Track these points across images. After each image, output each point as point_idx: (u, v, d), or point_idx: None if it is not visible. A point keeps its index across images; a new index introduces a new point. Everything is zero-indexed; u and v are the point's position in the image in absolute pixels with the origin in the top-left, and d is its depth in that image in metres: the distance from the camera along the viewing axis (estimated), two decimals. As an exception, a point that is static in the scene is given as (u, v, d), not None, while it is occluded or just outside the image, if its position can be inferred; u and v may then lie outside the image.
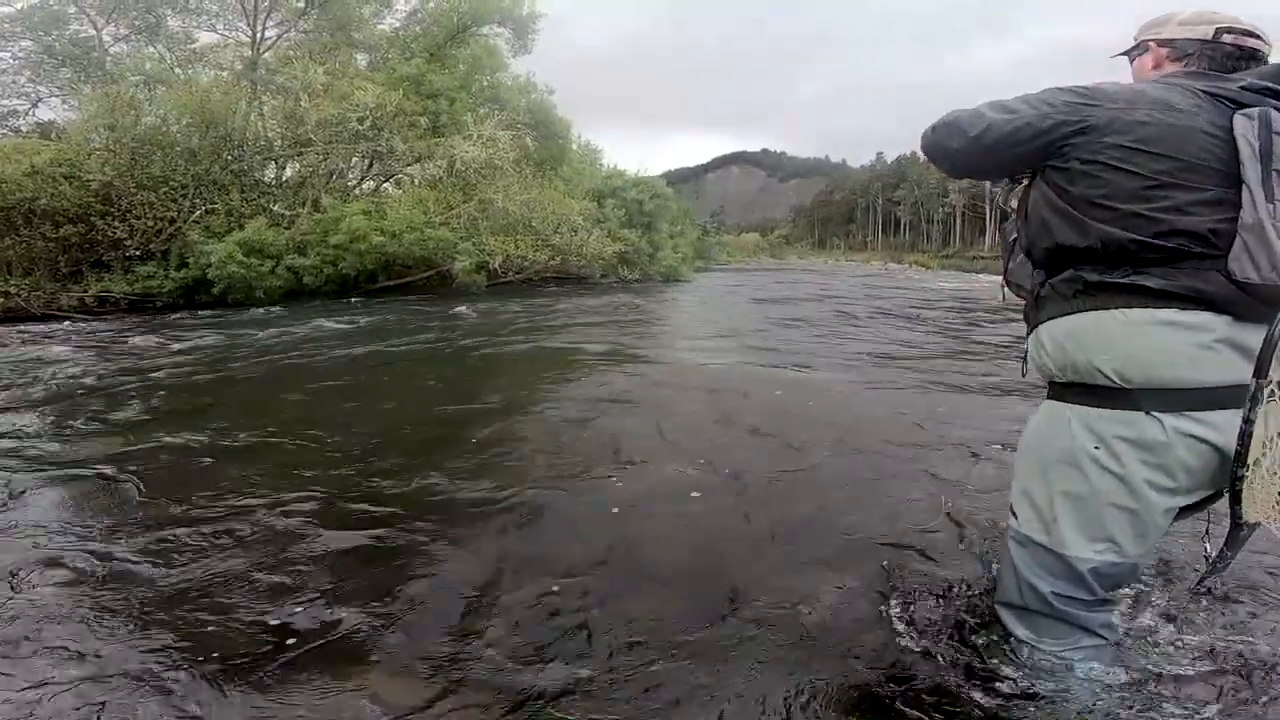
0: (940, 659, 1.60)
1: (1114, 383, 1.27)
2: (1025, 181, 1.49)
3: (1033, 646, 1.45)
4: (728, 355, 6.39)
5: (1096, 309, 1.29)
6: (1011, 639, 1.50)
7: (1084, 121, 1.29)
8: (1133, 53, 1.53)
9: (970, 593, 1.88)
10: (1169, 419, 1.24)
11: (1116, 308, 1.27)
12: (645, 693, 1.51)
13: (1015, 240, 1.58)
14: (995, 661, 1.52)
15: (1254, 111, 1.24)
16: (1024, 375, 1.68)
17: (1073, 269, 1.33)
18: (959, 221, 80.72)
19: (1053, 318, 1.37)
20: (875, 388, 4.84)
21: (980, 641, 1.61)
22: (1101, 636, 1.43)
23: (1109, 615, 1.45)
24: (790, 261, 63.49)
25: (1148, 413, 1.25)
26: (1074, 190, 1.31)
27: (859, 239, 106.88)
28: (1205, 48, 1.39)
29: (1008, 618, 1.51)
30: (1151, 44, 1.46)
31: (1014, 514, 1.46)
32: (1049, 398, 1.43)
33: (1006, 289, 1.72)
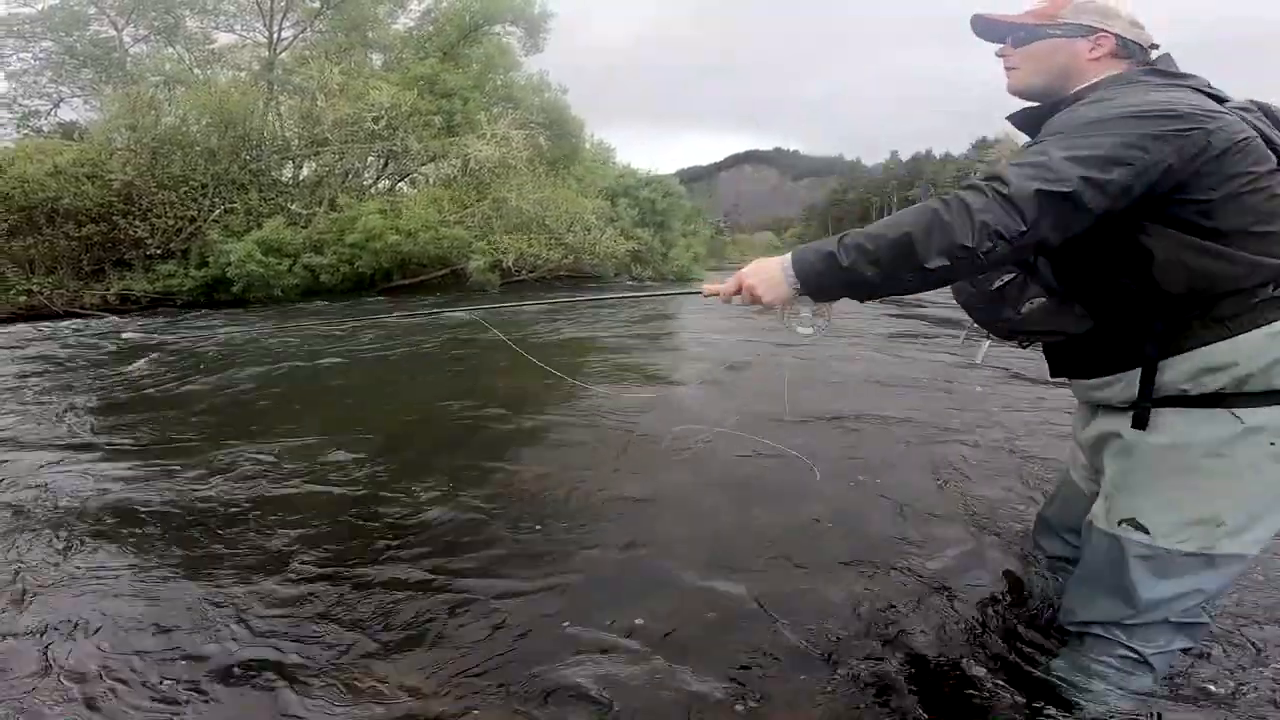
0: (1010, 658, 1.61)
1: None
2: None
3: (1124, 649, 1.42)
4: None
5: (1257, 326, 1.24)
6: (1095, 642, 1.46)
7: (1200, 149, 1.18)
8: (1051, 30, 1.39)
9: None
10: None
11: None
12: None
13: (1010, 282, 1.46)
14: (1075, 669, 1.50)
15: (1250, 107, 1.27)
16: (1133, 425, 1.37)
17: (1229, 299, 1.25)
18: (974, 220, 79.56)
19: (1197, 347, 1.27)
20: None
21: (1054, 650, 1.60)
22: (1196, 641, 1.43)
23: (1208, 620, 1.45)
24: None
25: None
26: (1213, 223, 1.22)
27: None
28: (1143, 54, 1.39)
29: (1099, 629, 1.45)
30: (1108, 36, 1.36)
31: (1141, 529, 1.36)
32: (1177, 405, 1.32)
33: (995, 341, 1.59)
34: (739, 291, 1.40)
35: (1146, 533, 1.35)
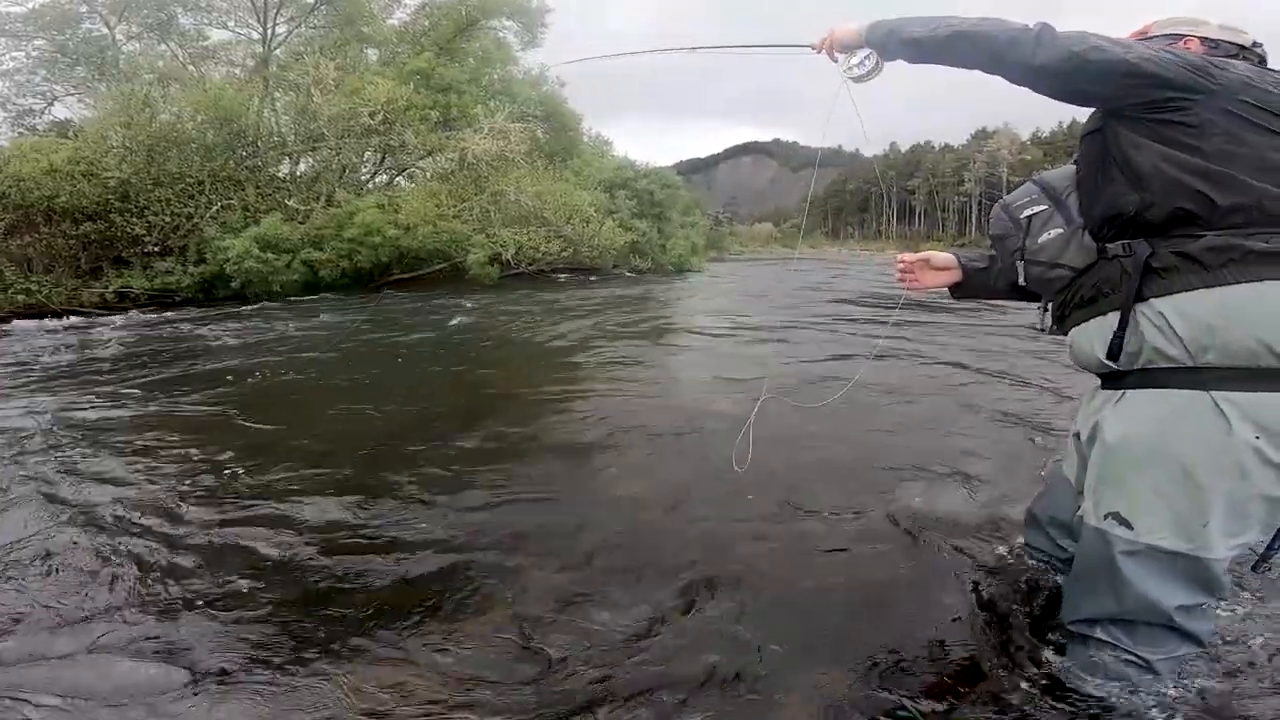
0: (1012, 662, 1.60)
1: None
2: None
3: (1127, 654, 1.39)
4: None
5: (1262, 279, 1.19)
6: (1099, 646, 1.43)
7: (1213, 81, 1.26)
8: (1159, 41, 1.45)
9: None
10: None
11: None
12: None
13: (1038, 214, 1.54)
14: (1079, 672, 1.47)
15: None
16: (1107, 357, 1.37)
17: (1214, 234, 1.23)
18: (975, 210, 79.77)
19: (1179, 291, 1.25)
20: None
21: (1055, 651, 1.59)
22: (1201, 644, 1.40)
23: (1213, 623, 1.42)
24: (803, 251, 63.35)
25: None
26: (1207, 147, 1.24)
27: (873, 228, 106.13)
28: (1244, 54, 1.43)
29: (1101, 632, 1.42)
30: (1194, 39, 1.45)
31: (1125, 524, 1.34)
32: (1159, 385, 1.30)
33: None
34: (829, 41, 1.69)
35: (1130, 528, 1.33)
